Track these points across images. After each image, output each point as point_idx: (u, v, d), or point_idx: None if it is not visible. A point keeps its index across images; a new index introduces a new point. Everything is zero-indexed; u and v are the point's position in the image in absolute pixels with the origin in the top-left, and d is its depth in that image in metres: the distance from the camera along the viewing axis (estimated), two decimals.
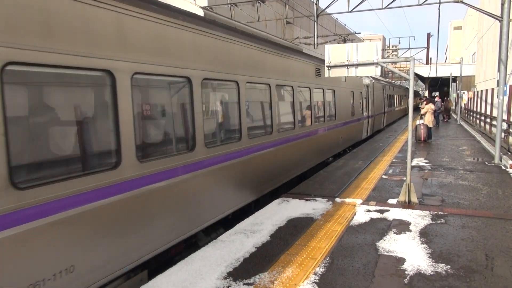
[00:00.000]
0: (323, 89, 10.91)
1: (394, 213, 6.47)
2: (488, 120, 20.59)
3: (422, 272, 4.33)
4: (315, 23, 17.53)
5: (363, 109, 16.60)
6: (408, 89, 38.01)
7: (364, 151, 13.81)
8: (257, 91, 7.25)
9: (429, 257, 4.73)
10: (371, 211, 6.61)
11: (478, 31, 35.00)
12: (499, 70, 11.39)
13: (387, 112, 24.27)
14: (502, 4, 11.19)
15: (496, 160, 11.04)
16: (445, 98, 35.17)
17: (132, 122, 4.08)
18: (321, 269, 4.43)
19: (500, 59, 11.25)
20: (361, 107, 16.08)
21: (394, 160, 11.82)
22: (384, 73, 51.08)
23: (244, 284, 4.11)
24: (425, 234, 5.48)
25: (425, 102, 17.58)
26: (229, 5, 18.58)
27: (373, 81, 18.84)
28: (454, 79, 39.09)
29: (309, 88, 9.79)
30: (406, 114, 38.43)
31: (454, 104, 35.46)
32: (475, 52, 38.70)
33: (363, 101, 16.51)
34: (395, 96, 29.96)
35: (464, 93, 31.50)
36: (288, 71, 8.41)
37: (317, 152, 10.55)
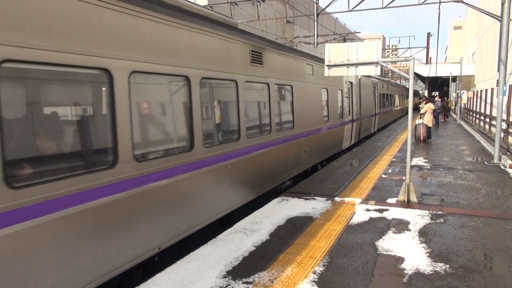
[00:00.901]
0: (268, 85, 7.45)
1: (394, 213, 6.48)
2: (487, 120, 20.61)
3: (421, 271, 4.33)
4: (315, 22, 17.53)
5: (344, 112, 13.35)
6: (405, 87, 37.73)
7: (363, 150, 13.81)
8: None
9: (428, 256, 4.73)
10: (370, 211, 6.61)
11: (478, 31, 35.01)
12: (498, 70, 11.40)
13: (379, 114, 21.11)
14: (502, 4, 11.19)
15: (496, 160, 11.04)
16: (444, 98, 34.68)
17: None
18: (320, 268, 4.43)
19: (500, 59, 11.25)
20: (340, 109, 12.90)
21: (393, 159, 11.82)
22: (384, 72, 51.09)
23: (243, 283, 4.11)
24: (424, 234, 5.49)
25: (424, 102, 17.60)
26: (229, 4, 18.57)
27: (360, 77, 16.04)
28: (454, 78, 39.09)
29: (235, 82, 6.32)
30: (403, 115, 36.08)
31: (454, 104, 35.36)
32: (475, 52, 38.71)
33: (344, 101, 13.38)
34: (390, 96, 26.72)
35: (463, 92, 31.49)
36: (176, 49, 4.89)
37: (254, 180, 6.89)
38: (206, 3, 20.67)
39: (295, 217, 6.29)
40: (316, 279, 4.17)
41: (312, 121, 9.98)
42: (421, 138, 15.98)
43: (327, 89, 11.43)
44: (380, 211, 6.59)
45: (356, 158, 11.99)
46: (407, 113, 36.64)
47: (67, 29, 3.42)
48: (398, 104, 32.24)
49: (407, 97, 37.50)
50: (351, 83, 14.67)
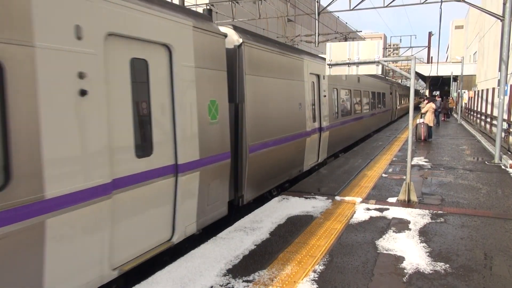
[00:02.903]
0: None
1: (394, 212, 6.48)
2: (488, 119, 20.59)
3: (421, 270, 4.34)
4: (316, 21, 17.50)
5: (153, 141, 4.33)
6: (397, 83, 36.93)
7: (364, 149, 13.81)
8: None
9: (428, 255, 4.74)
10: (370, 210, 6.62)
11: (479, 30, 34.95)
12: (500, 70, 11.38)
13: (334, 127, 11.79)
14: (504, 4, 11.16)
15: (496, 160, 11.04)
16: (443, 97, 34.05)
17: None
18: (320, 267, 4.44)
19: (501, 59, 11.23)
20: (125, 133, 3.94)
21: (394, 158, 11.82)
22: (385, 71, 51.05)
23: (243, 281, 4.12)
24: (424, 233, 5.49)
25: (425, 101, 17.58)
26: (230, 2, 18.54)
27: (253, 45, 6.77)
28: (455, 78, 39.01)
29: None
30: (392, 122, 27.67)
31: (455, 103, 35.15)
32: (476, 52, 38.64)
33: (149, 109, 4.29)
34: (367, 94, 17.48)
35: (464, 92, 31.41)
36: None
37: None
38: (207, 1, 20.65)
39: (296, 216, 6.30)
40: (316, 278, 4.17)
41: None
42: (422, 138, 15.97)
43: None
44: (381, 210, 6.60)
45: (356, 157, 11.99)
46: (398, 118, 34.81)
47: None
48: (385, 105, 22.42)
49: (402, 95, 37.03)
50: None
